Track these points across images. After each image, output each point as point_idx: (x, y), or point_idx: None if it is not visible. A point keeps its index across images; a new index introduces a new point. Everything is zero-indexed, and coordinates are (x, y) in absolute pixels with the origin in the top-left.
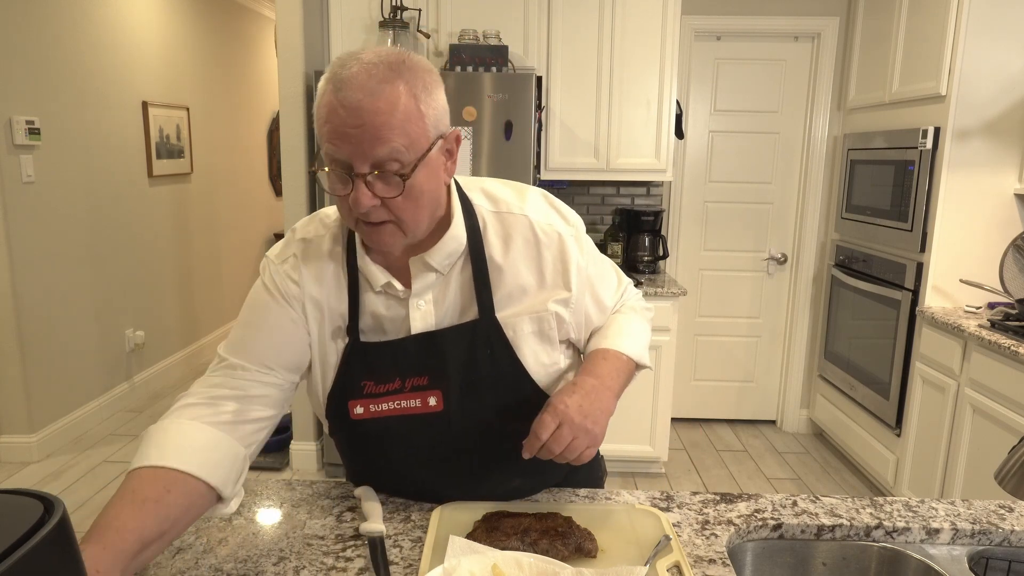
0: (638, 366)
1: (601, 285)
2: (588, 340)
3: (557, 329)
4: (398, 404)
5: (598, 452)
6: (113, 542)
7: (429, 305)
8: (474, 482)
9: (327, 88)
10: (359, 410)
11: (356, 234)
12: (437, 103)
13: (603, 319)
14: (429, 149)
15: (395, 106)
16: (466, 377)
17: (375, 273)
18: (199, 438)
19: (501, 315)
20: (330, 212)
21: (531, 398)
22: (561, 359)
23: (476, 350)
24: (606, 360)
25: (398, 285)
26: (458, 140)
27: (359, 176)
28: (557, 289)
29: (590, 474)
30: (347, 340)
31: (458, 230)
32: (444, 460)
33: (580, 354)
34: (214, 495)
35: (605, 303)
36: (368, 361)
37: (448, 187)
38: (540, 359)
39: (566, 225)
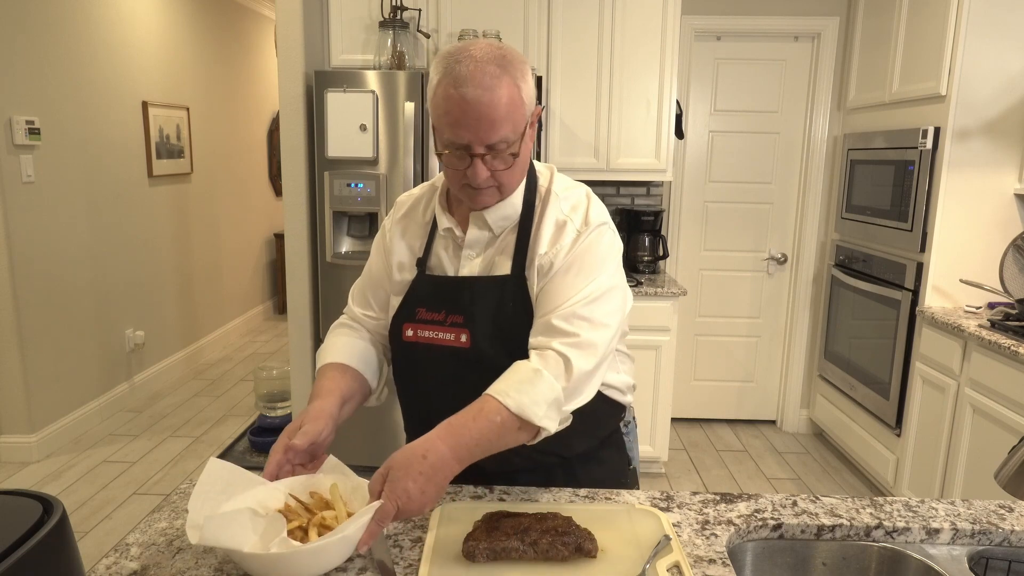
0: (533, 427)
1: (556, 283)
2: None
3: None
4: (437, 335)
5: (627, 453)
6: (327, 398)
7: (478, 258)
8: None
9: (444, 82)
10: (409, 333)
11: (441, 189)
12: (530, 87)
13: (539, 313)
14: (527, 127)
15: (504, 99)
16: (492, 323)
17: (442, 219)
18: (357, 345)
19: (528, 274)
20: (436, 178)
21: None
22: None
23: (503, 302)
24: (478, 419)
25: (458, 231)
26: (539, 112)
27: (477, 155)
28: (543, 261)
29: (612, 468)
30: (415, 271)
31: (515, 198)
32: (465, 394)
33: None
34: (368, 384)
35: (549, 298)
36: (425, 291)
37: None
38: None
39: (581, 223)
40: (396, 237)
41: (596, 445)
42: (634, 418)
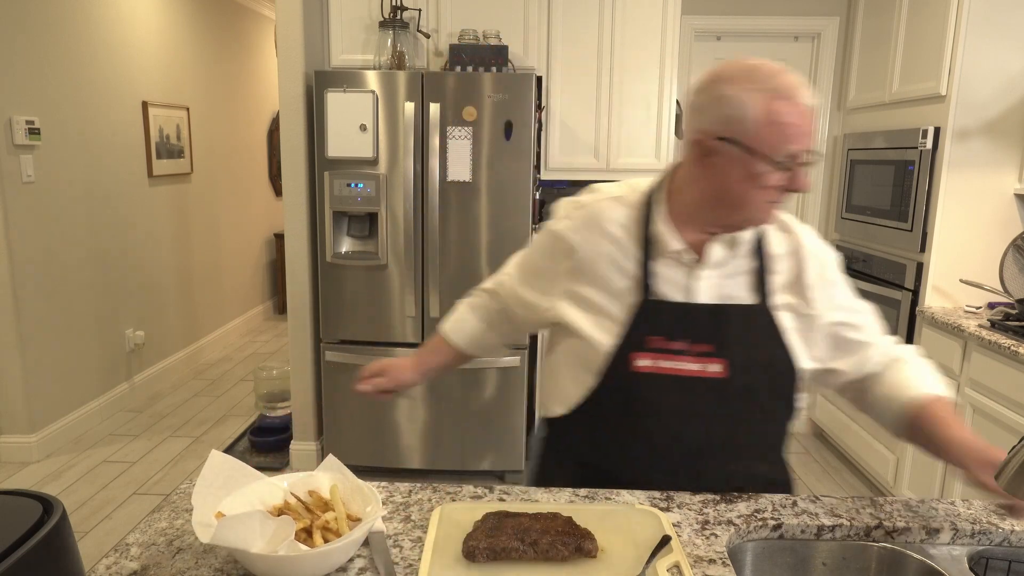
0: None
1: (861, 312)
2: (875, 377)
3: (812, 332)
4: (681, 365)
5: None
6: (423, 357)
7: (713, 281)
8: (722, 455)
9: (771, 96)
10: (643, 363)
11: (655, 203)
12: None
13: (857, 329)
14: None
15: (814, 108)
16: (747, 353)
17: (669, 240)
18: (478, 331)
19: (772, 307)
20: (639, 185)
21: (794, 386)
22: (812, 359)
23: (754, 331)
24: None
25: (688, 254)
26: None
27: (803, 163)
28: (813, 296)
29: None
30: (638, 297)
31: None
32: (716, 425)
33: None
34: (469, 358)
35: (861, 323)
36: (659, 318)
37: None
38: (802, 357)
39: (831, 250)
40: (592, 248)
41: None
42: None
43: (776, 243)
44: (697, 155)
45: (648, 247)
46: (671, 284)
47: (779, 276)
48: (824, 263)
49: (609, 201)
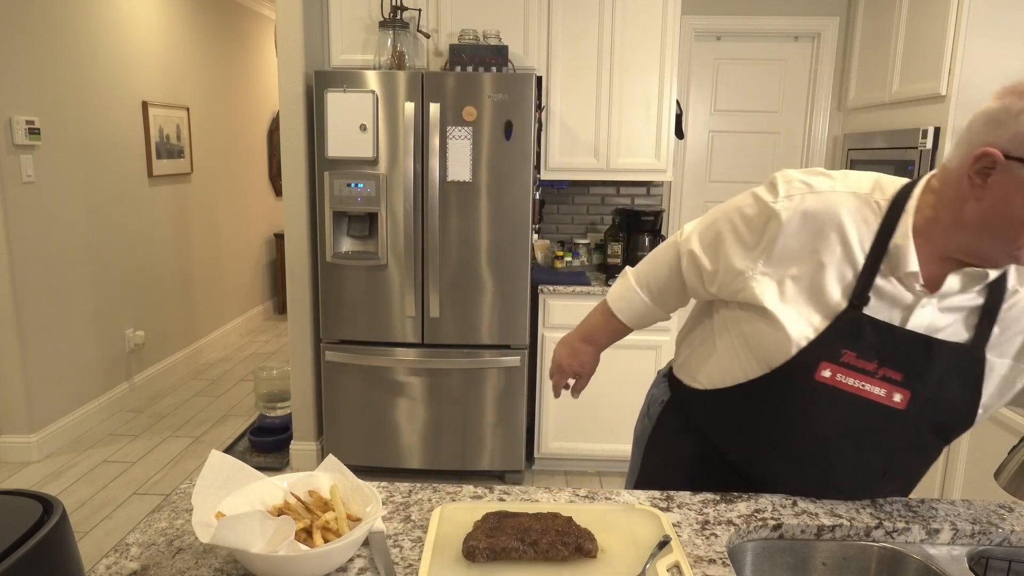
0: None
1: None
2: None
3: (1017, 386)
4: (863, 385)
5: None
6: (604, 341)
7: (933, 312)
8: (861, 477)
9: None
10: (826, 373)
11: (903, 212)
12: None
13: None
14: None
15: None
16: (937, 390)
17: (908, 260)
18: (649, 311)
19: (987, 348)
20: (887, 186)
21: (961, 430)
22: (999, 404)
23: (953, 371)
24: None
25: (920, 281)
26: None
27: None
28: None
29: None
30: (845, 304)
31: None
32: (870, 453)
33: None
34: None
35: None
36: (859, 332)
37: None
38: (989, 407)
39: None
40: (813, 239)
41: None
42: None
43: (1012, 288)
44: (975, 171)
45: (878, 259)
46: (890, 304)
47: (1005, 320)
48: None
49: (849, 196)
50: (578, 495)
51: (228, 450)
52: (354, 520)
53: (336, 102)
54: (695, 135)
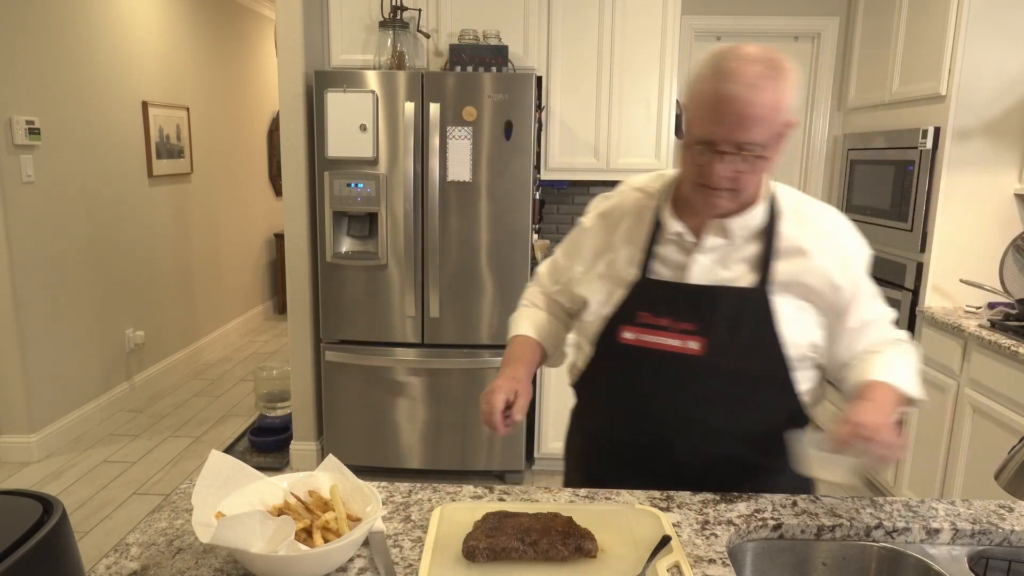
0: (910, 401)
1: (859, 304)
2: (850, 365)
3: (813, 321)
4: (662, 340)
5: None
6: (523, 363)
7: (709, 264)
8: (694, 431)
9: (708, 75)
10: (628, 336)
11: (670, 193)
12: (793, 100)
13: (852, 336)
14: (781, 136)
15: (765, 101)
16: (729, 333)
17: (670, 223)
18: (544, 320)
19: (774, 292)
20: (667, 175)
21: (776, 372)
22: (808, 349)
23: (744, 314)
24: (886, 395)
25: (689, 237)
26: (797, 124)
27: (721, 153)
28: (826, 281)
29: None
30: (637, 274)
31: (760, 208)
32: (688, 401)
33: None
34: (545, 353)
35: (855, 319)
36: (649, 295)
37: None
38: (795, 337)
39: (860, 244)
40: (610, 232)
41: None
42: None
43: (789, 230)
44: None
45: (656, 231)
46: (669, 265)
47: (786, 263)
48: (845, 259)
49: (631, 190)
50: (578, 495)
51: (228, 450)
52: (354, 520)
53: (336, 102)
54: None
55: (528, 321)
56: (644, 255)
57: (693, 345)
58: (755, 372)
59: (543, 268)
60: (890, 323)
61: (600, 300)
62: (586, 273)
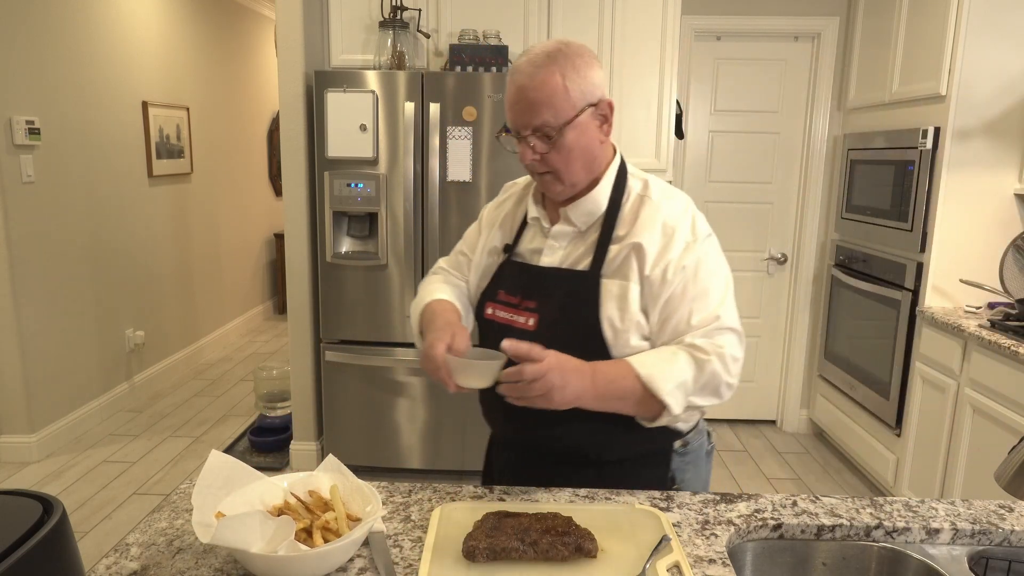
0: (658, 401)
1: (685, 302)
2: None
3: (635, 305)
4: (511, 316)
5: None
6: (450, 314)
7: (560, 249)
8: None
9: (508, 73)
10: (489, 311)
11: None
12: (585, 80)
13: (669, 333)
14: (576, 116)
15: (544, 86)
16: (559, 313)
17: (531, 208)
18: (456, 287)
19: (604, 275)
20: None
21: (598, 352)
22: (633, 332)
23: (574, 295)
24: (617, 371)
25: (545, 223)
26: (611, 107)
27: (523, 137)
28: (653, 272)
29: (654, 475)
30: (504, 255)
31: (599, 196)
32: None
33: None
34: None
35: (678, 321)
36: (509, 274)
37: (608, 155)
38: (614, 322)
39: (689, 232)
40: (493, 220)
41: (633, 459)
42: (711, 443)
43: (628, 216)
44: None
45: (524, 218)
46: (530, 248)
47: (618, 247)
48: (672, 252)
49: (514, 184)
50: (578, 495)
51: (228, 450)
52: (354, 520)
53: (336, 102)
54: (695, 135)
55: (438, 288)
56: (514, 238)
57: (531, 322)
58: (578, 348)
59: (443, 261)
60: (709, 328)
61: (477, 280)
62: (476, 257)
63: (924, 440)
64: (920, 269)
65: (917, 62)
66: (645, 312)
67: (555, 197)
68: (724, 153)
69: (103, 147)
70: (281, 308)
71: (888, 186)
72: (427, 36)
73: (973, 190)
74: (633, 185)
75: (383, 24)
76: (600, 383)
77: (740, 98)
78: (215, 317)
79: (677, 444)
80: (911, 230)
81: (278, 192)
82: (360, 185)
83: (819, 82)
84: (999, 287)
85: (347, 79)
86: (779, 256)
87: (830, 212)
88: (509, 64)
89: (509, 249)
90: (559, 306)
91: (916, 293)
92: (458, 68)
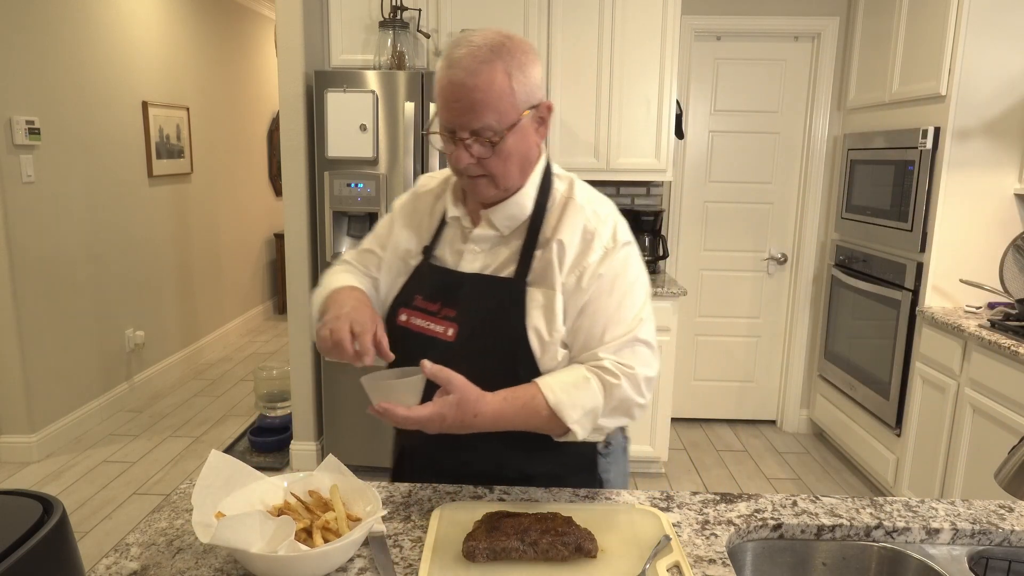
0: (562, 425)
1: (600, 315)
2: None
3: (560, 316)
4: (428, 325)
5: (598, 468)
6: (358, 295)
7: (482, 254)
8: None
9: (442, 64)
10: (403, 317)
11: (453, 181)
12: (530, 79)
13: (580, 345)
14: (519, 119)
15: (489, 85)
16: (481, 322)
17: (451, 207)
18: (363, 281)
19: (530, 284)
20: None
21: (523, 361)
22: (560, 343)
23: (499, 303)
24: (527, 407)
25: (466, 223)
26: (549, 109)
27: (460, 140)
28: (568, 278)
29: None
30: (421, 258)
31: (524, 200)
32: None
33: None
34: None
35: (589, 336)
36: (426, 279)
37: (539, 156)
38: (541, 333)
39: (608, 238)
40: (407, 218)
41: (561, 469)
42: (625, 437)
43: (552, 222)
44: None
45: (443, 219)
46: (449, 251)
47: (543, 254)
48: (591, 262)
49: (431, 178)
50: (578, 495)
51: (228, 450)
52: (354, 520)
53: (336, 102)
54: (695, 135)
55: (346, 278)
56: (431, 239)
57: (450, 331)
58: (502, 360)
59: (350, 256)
60: (621, 343)
61: (389, 282)
62: (387, 256)
63: (924, 440)
64: (920, 269)
65: (917, 62)
66: (562, 315)
67: (484, 200)
68: (724, 153)
69: (103, 147)
70: (281, 308)
71: (888, 186)
72: (427, 36)
73: (973, 190)
74: (558, 187)
75: (383, 24)
76: (508, 411)
77: (740, 98)
78: (215, 317)
79: (600, 445)
80: (911, 230)
81: (278, 192)
82: (360, 185)
83: (819, 82)
84: (999, 287)
85: (347, 79)
86: (779, 256)
87: (830, 212)
88: None
89: (427, 251)
90: (482, 316)
91: (916, 293)
92: None
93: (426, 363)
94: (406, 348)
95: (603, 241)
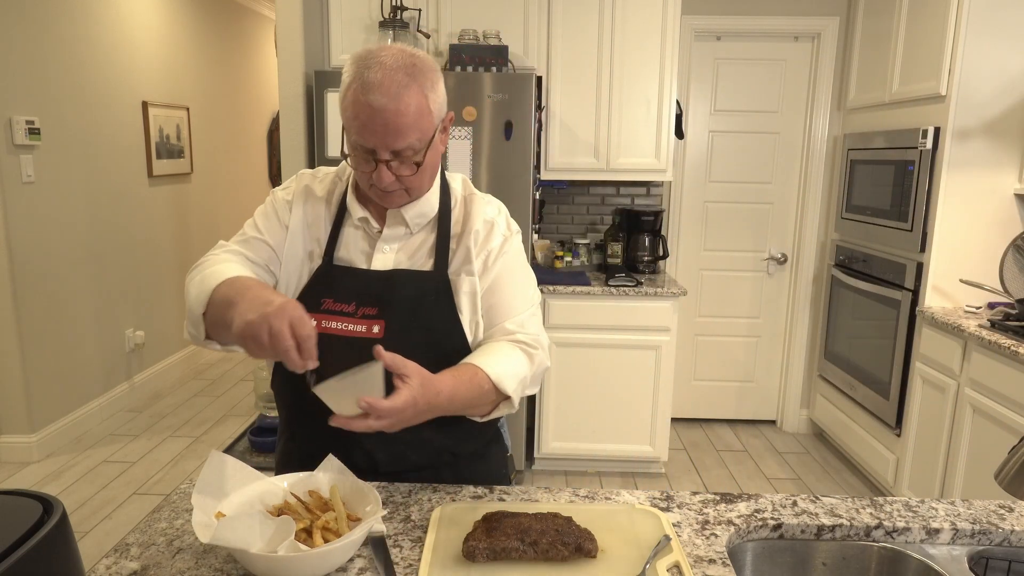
0: (500, 392)
1: (505, 293)
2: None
3: (479, 297)
4: (347, 326)
5: (507, 451)
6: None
7: (392, 252)
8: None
9: (354, 86)
10: (313, 323)
11: (352, 179)
12: (440, 95)
13: (488, 322)
14: (435, 135)
15: (411, 108)
16: (410, 315)
17: (355, 208)
18: (238, 267)
19: (451, 274)
20: (342, 166)
21: (458, 348)
22: (480, 322)
23: (424, 296)
24: (471, 383)
25: (374, 224)
26: (451, 119)
27: (382, 161)
28: (476, 262)
29: (496, 463)
30: (320, 261)
31: (433, 198)
32: None
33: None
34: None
35: (496, 312)
36: (333, 282)
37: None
38: (470, 317)
39: (505, 227)
40: (297, 219)
41: (483, 444)
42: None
43: (458, 216)
44: None
45: (341, 218)
46: (354, 251)
47: (456, 246)
48: (492, 247)
49: (325, 173)
50: (578, 495)
51: (228, 450)
52: (354, 520)
53: (336, 102)
54: (695, 135)
55: (236, 268)
56: (330, 241)
57: (375, 329)
58: (435, 348)
59: (234, 244)
60: (525, 318)
61: (284, 283)
62: (278, 251)
63: (924, 440)
64: (920, 269)
65: (917, 62)
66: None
67: (394, 207)
68: (724, 153)
69: (103, 147)
70: None
71: (888, 186)
72: (427, 36)
73: (973, 190)
74: (455, 185)
75: (383, 24)
76: (460, 388)
77: (740, 98)
78: None
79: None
80: (911, 230)
81: None
82: None
83: (819, 82)
84: (999, 287)
85: None
86: (779, 256)
87: (830, 212)
88: (509, 64)
89: (329, 253)
90: (409, 309)
91: (916, 293)
92: (458, 68)
93: (380, 350)
94: (328, 351)
95: (501, 229)
